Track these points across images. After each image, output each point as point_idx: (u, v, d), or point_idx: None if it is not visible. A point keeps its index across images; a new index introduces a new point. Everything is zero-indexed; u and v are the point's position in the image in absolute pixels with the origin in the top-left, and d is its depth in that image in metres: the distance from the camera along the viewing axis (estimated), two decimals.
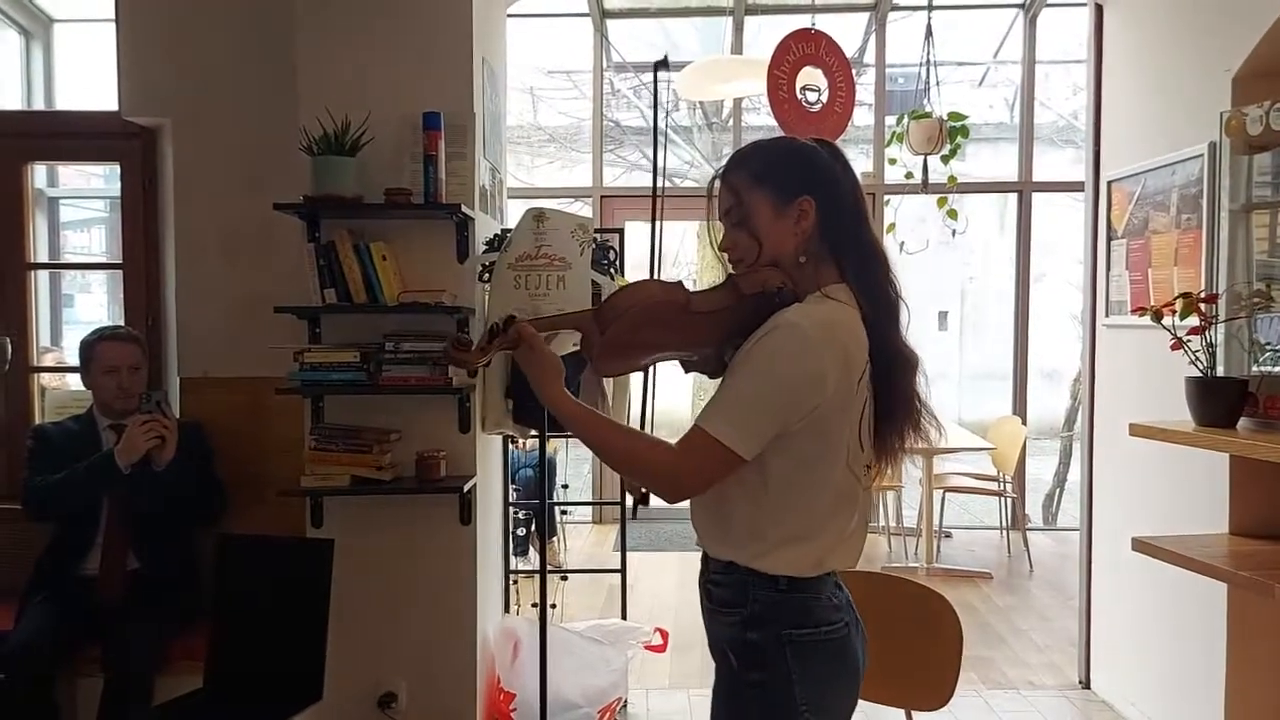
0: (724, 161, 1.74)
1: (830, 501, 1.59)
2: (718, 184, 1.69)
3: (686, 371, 1.77)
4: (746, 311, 1.58)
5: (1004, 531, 6.30)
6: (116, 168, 3.56)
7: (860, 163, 5.88)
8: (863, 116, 6.85)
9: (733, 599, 1.62)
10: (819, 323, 1.52)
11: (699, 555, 1.74)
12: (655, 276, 1.76)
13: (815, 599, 1.61)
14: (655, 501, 1.72)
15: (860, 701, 1.73)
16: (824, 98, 3.95)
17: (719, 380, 1.67)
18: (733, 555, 1.61)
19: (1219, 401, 2.75)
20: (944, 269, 12.24)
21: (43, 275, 3.83)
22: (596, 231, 3.20)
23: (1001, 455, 5.93)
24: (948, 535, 6.56)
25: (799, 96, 3.91)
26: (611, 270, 3.20)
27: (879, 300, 1.61)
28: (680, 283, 1.65)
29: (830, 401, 1.52)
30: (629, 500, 1.98)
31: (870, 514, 1.69)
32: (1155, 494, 3.42)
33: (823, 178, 1.62)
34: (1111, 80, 3.85)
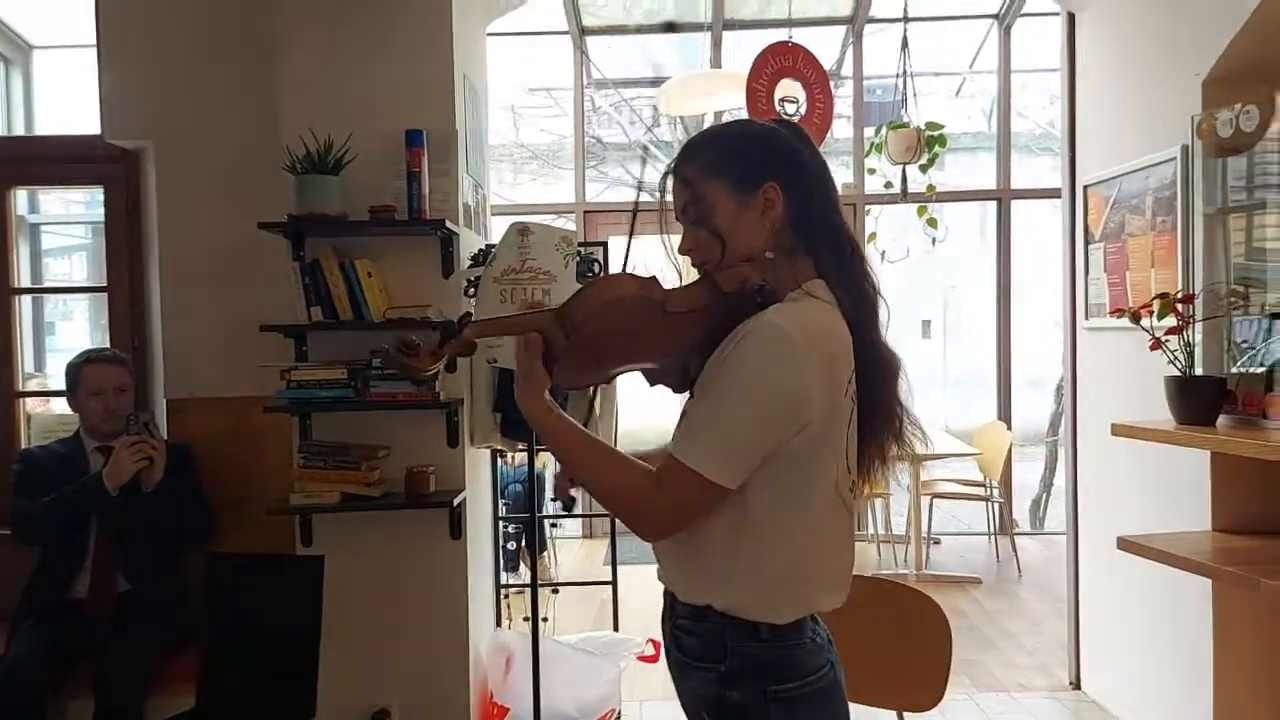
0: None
1: (820, 533, 1.41)
2: (669, 181, 1.50)
3: (651, 385, 1.56)
4: (724, 312, 1.40)
5: (992, 537, 6.32)
6: (97, 194, 3.56)
7: (840, 174, 5.93)
8: (842, 129, 6.92)
9: (707, 651, 1.42)
10: (804, 328, 1.34)
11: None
12: (626, 270, 1.51)
13: (799, 645, 1.42)
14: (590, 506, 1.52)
15: (851, 703, 1.61)
16: (802, 109, 4.00)
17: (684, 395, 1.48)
18: (708, 599, 1.41)
19: (1198, 400, 2.79)
20: (926, 278, 12.31)
21: (26, 302, 3.82)
22: (580, 245, 3.23)
23: (988, 461, 5.96)
24: (936, 542, 6.59)
25: (778, 108, 3.95)
26: None
27: (859, 296, 1.44)
28: (655, 278, 1.43)
29: (819, 417, 1.35)
30: (558, 504, 1.68)
31: (855, 533, 1.51)
32: (1140, 494, 3.46)
33: (787, 160, 1.45)
34: (1085, 87, 3.91)
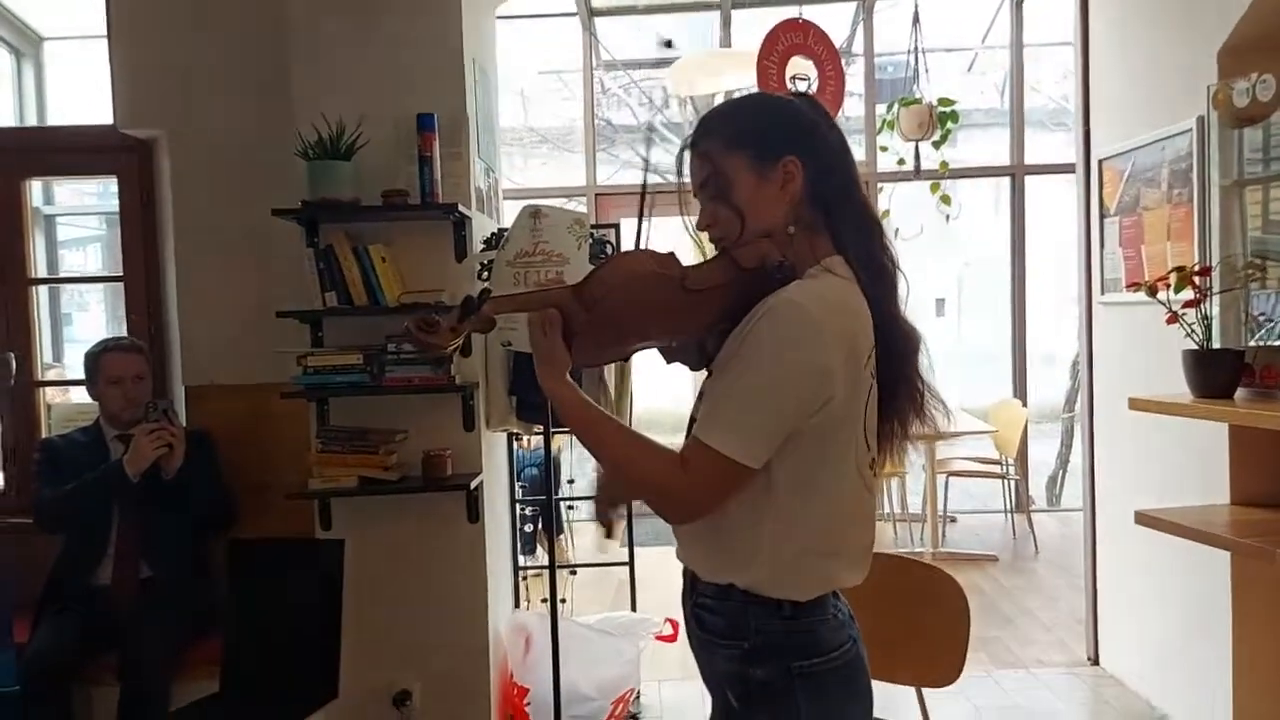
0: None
1: (843, 510, 1.41)
2: (687, 156, 1.48)
3: (668, 362, 1.57)
4: (743, 289, 1.38)
5: (1008, 514, 6.32)
6: (111, 184, 3.58)
7: (852, 152, 5.90)
8: (853, 106, 6.88)
9: (730, 629, 1.42)
10: (825, 304, 1.33)
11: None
12: (644, 247, 1.48)
13: (822, 622, 1.42)
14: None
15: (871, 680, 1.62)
16: (814, 87, 3.98)
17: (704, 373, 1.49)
18: (729, 577, 1.41)
19: (1216, 373, 2.78)
20: (940, 255, 12.29)
21: (43, 293, 3.85)
22: (593, 227, 3.22)
23: (1003, 438, 5.95)
24: (952, 520, 6.59)
25: (789, 86, 3.93)
26: None
27: (878, 271, 1.43)
28: (673, 254, 1.42)
29: (841, 394, 1.34)
30: (600, 531, 1.66)
31: (875, 526, 1.51)
32: (1156, 469, 3.45)
33: (807, 134, 1.43)
34: (1099, 59, 3.87)
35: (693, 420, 1.41)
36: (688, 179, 1.49)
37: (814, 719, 1.40)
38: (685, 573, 1.53)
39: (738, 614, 1.41)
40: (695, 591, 1.49)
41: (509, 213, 3.20)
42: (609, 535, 1.64)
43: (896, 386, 1.46)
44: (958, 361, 11.70)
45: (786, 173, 1.41)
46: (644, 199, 1.53)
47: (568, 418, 1.40)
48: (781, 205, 1.41)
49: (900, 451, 1.53)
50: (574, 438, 1.51)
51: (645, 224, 1.54)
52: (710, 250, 1.49)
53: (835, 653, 1.42)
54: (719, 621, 1.44)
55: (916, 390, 1.48)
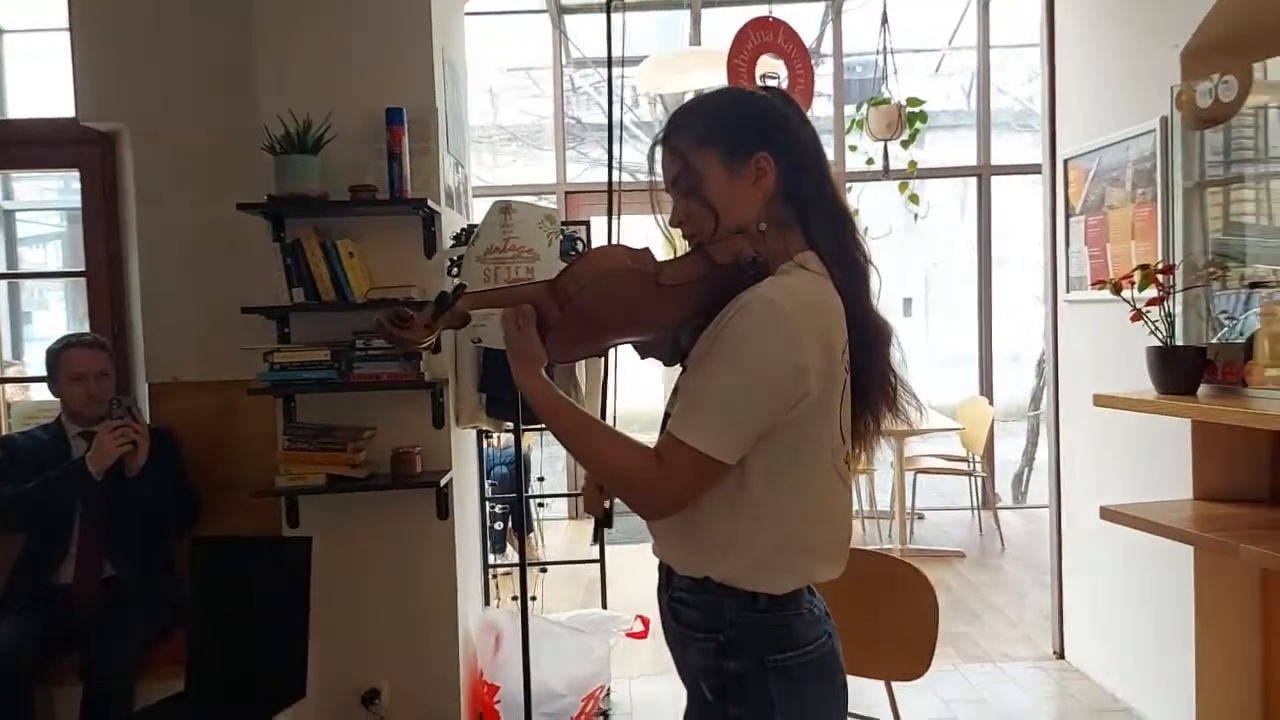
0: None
1: (818, 504, 1.41)
2: (659, 151, 1.47)
3: (642, 357, 1.57)
4: (717, 285, 1.39)
5: (975, 511, 6.38)
6: (72, 181, 3.52)
7: (824, 148, 5.93)
8: (822, 106, 6.91)
9: (705, 622, 1.42)
10: (798, 299, 1.34)
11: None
12: (617, 242, 1.49)
13: (797, 615, 1.42)
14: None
15: None
16: (783, 85, 3.99)
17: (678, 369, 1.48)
18: (705, 570, 1.41)
19: (1179, 369, 2.82)
20: (907, 256, 12.38)
21: (2, 289, 3.78)
22: (563, 224, 3.21)
23: (970, 435, 6.01)
24: (920, 517, 6.64)
25: (759, 84, 3.94)
26: None
27: (850, 266, 1.43)
28: (648, 249, 1.41)
29: (815, 389, 1.34)
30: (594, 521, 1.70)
31: (851, 520, 1.51)
32: (1121, 466, 3.49)
33: (780, 130, 1.43)
34: (1065, 60, 3.92)
35: (667, 416, 1.41)
36: (660, 175, 1.48)
37: (788, 712, 1.39)
38: (661, 567, 1.53)
39: (713, 607, 1.41)
40: (671, 585, 1.49)
41: (479, 210, 3.18)
42: (607, 524, 1.66)
43: (870, 380, 1.46)
44: (925, 362, 11.80)
45: (759, 169, 1.41)
46: (611, 196, 1.52)
47: (542, 413, 1.39)
48: (754, 201, 1.41)
49: (874, 445, 1.53)
50: (546, 434, 1.52)
51: (616, 220, 1.53)
52: (683, 246, 1.49)
53: (810, 646, 1.42)
54: (694, 615, 1.44)
55: (889, 384, 1.49)
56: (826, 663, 1.45)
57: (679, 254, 1.46)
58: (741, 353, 1.32)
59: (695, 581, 1.43)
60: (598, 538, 1.78)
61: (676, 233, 1.49)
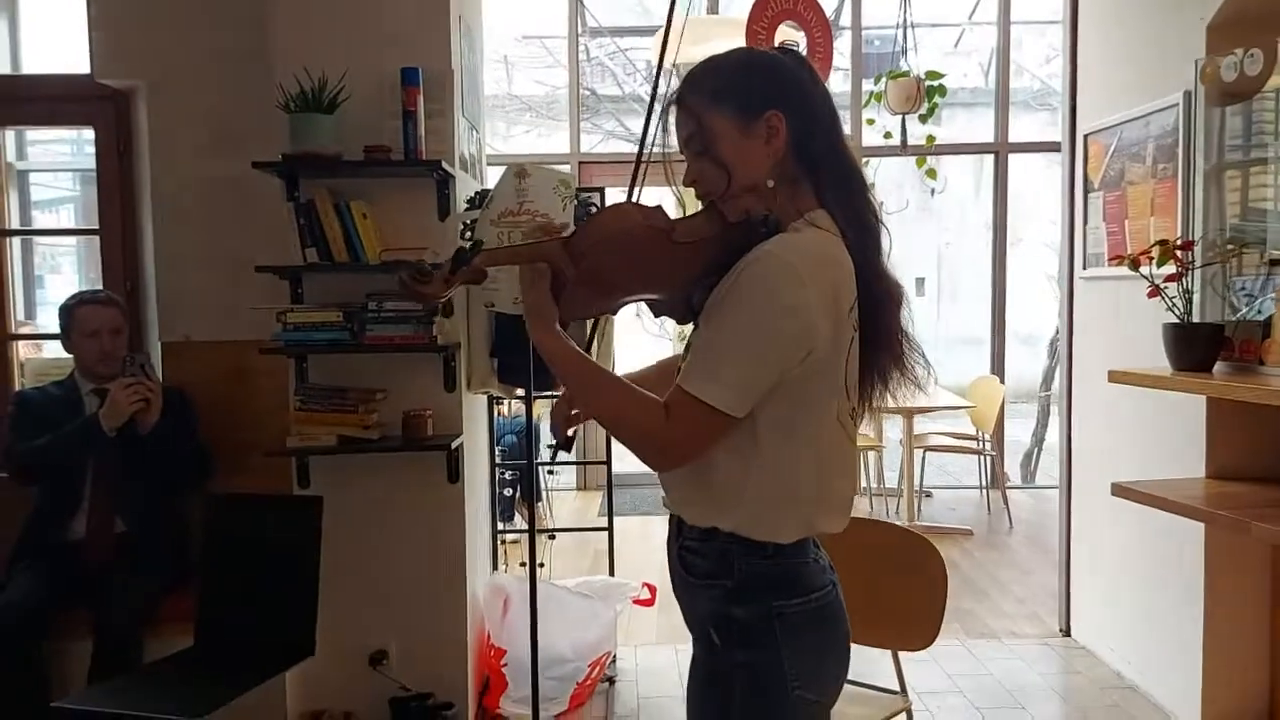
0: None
1: (823, 457, 1.43)
2: (673, 111, 1.48)
3: (656, 315, 1.58)
4: (729, 242, 1.40)
5: (983, 490, 6.38)
6: (86, 145, 3.51)
7: (836, 108, 5.91)
8: (839, 82, 6.86)
9: (714, 570, 1.45)
10: (807, 256, 1.35)
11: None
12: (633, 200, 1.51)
13: (804, 563, 1.45)
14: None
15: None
16: (803, 53, 3.94)
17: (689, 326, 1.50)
18: (715, 520, 1.44)
19: (1196, 346, 2.80)
20: (921, 235, 12.32)
21: (15, 248, 3.78)
22: (577, 190, 3.19)
23: (981, 414, 5.99)
24: (928, 495, 6.64)
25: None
26: None
27: (861, 225, 1.44)
28: (660, 208, 1.44)
29: (823, 346, 1.36)
30: (556, 445, 1.71)
31: (858, 474, 1.57)
32: (1133, 444, 3.47)
33: (790, 88, 1.43)
34: (1087, 33, 3.87)
35: (677, 371, 1.42)
36: (673, 136, 1.49)
37: (793, 658, 1.42)
38: (671, 519, 1.55)
39: (721, 554, 1.44)
40: (681, 535, 1.51)
41: (493, 177, 3.17)
42: (566, 448, 1.67)
43: (878, 338, 1.48)
44: (937, 343, 11.76)
45: (770, 127, 1.41)
46: (638, 166, 1.52)
47: (557, 367, 1.42)
48: (766, 160, 1.42)
49: (880, 402, 1.54)
50: (566, 387, 1.54)
51: (640, 181, 1.52)
52: (694, 207, 1.49)
53: (815, 594, 1.46)
54: (703, 563, 1.47)
55: (897, 343, 1.50)
56: (831, 611, 1.48)
57: (690, 213, 1.47)
58: (750, 309, 1.34)
59: (704, 531, 1.46)
60: (553, 457, 1.82)
61: (689, 193, 1.50)
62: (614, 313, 1.68)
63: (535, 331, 1.41)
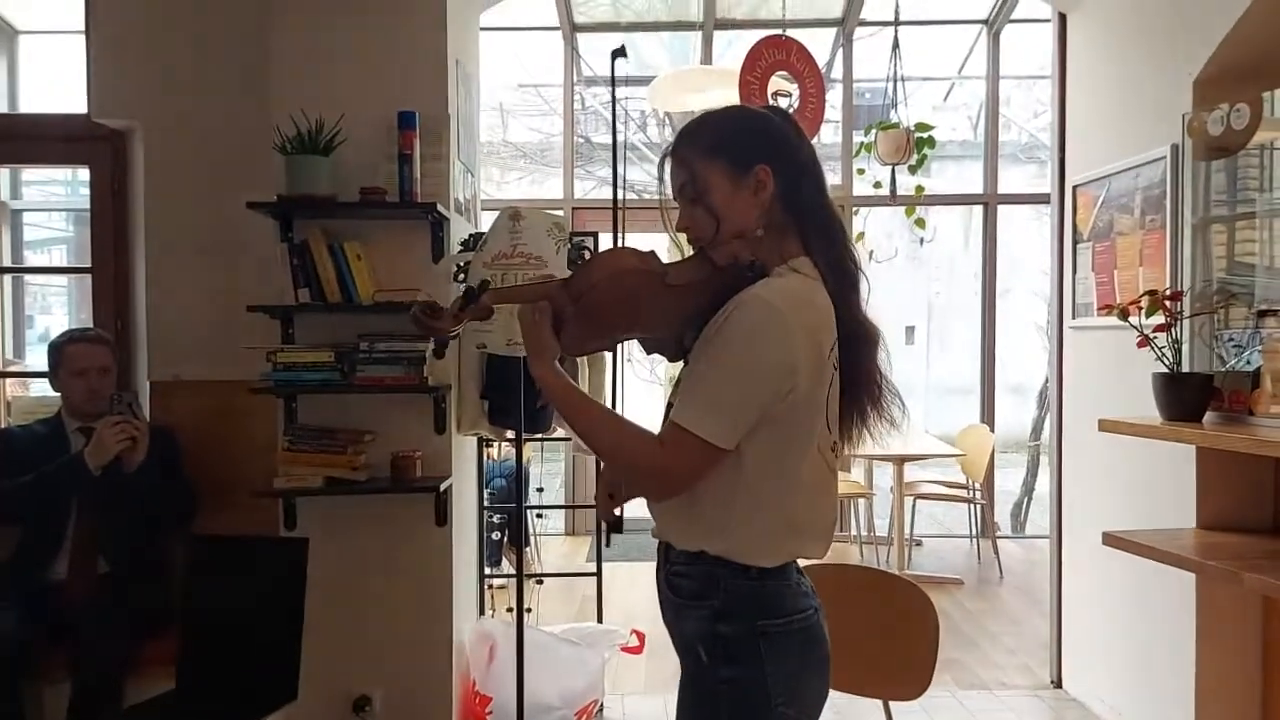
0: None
1: (806, 488, 1.52)
2: (668, 162, 1.60)
3: (648, 353, 1.70)
4: (717, 285, 1.50)
5: (974, 539, 6.34)
6: (80, 186, 3.52)
7: (828, 177, 5.98)
8: (830, 133, 6.94)
9: (701, 590, 1.53)
10: (791, 299, 1.45)
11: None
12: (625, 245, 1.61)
13: (786, 586, 1.54)
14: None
15: (838, 692, 1.72)
16: (795, 104, 4.00)
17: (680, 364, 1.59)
18: (703, 545, 1.52)
19: (1186, 396, 2.81)
20: (910, 284, 12.39)
21: (6, 290, 3.78)
22: (570, 234, 3.21)
23: (971, 463, 5.98)
24: (918, 543, 6.60)
25: (770, 102, 3.95)
26: None
27: (841, 271, 1.55)
28: (654, 252, 1.54)
29: (805, 384, 1.45)
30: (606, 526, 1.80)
31: (838, 504, 1.64)
32: (1123, 494, 3.47)
33: (779, 144, 1.55)
34: (1076, 86, 3.93)
35: (669, 406, 1.51)
36: (668, 185, 1.61)
37: (776, 675, 1.50)
38: (659, 547, 1.63)
39: (708, 576, 1.52)
40: (669, 560, 1.59)
41: (488, 221, 3.19)
42: (617, 529, 1.76)
43: (857, 377, 1.58)
44: (926, 392, 11.79)
45: (759, 180, 1.52)
46: (616, 213, 1.62)
47: (557, 402, 1.52)
48: (753, 209, 1.52)
49: (859, 439, 1.64)
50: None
51: (621, 236, 1.61)
52: (688, 251, 1.61)
53: (798, 616, 1.54)
54: (690, 584, 1.55)
55: (874, 383, 1.60)
56: (812, 633, 1.56)
57: (683, 257, 1.58)
58: (737, 347, 1.43)
59: (692, 554, 1.54)
60: (608, 542, 1.91)
61: (683, 237, 1.61)
62: (610, 349, 1.75)
63: (536, 367, 1.50)
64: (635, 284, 1.49)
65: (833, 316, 1.51)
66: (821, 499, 1.56)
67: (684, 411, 1.44)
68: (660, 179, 1.62)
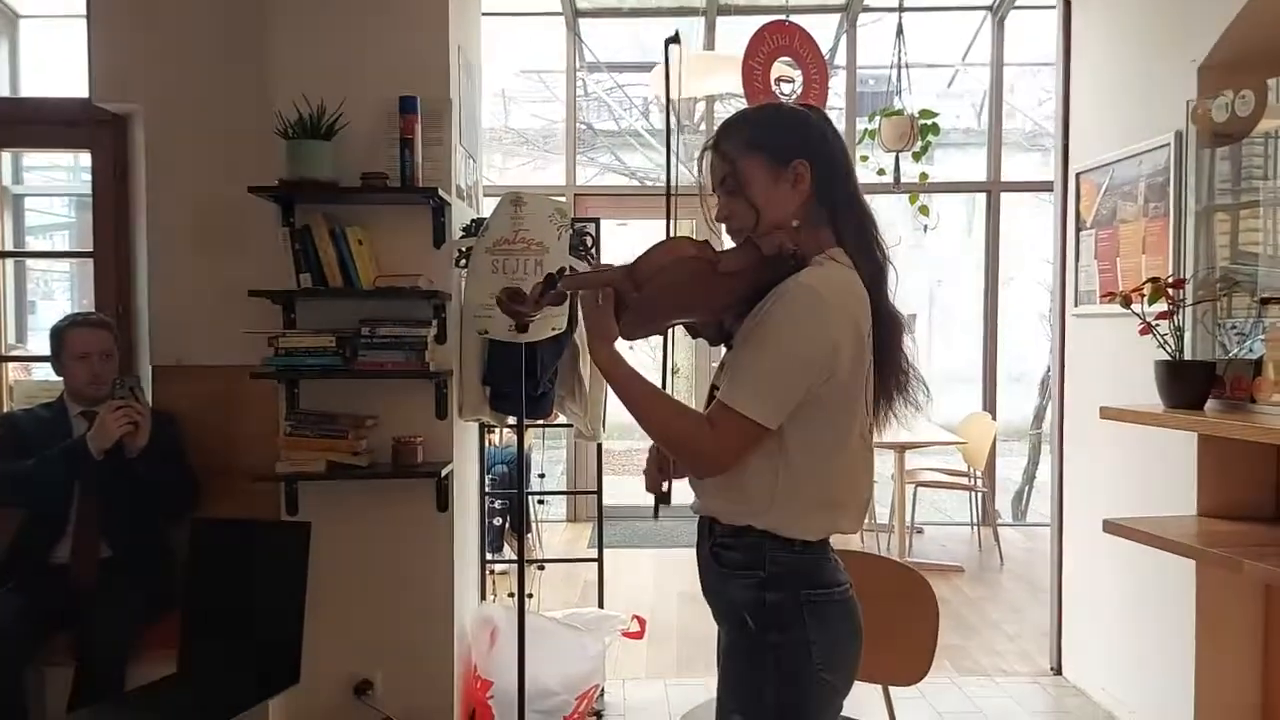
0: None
1: (846, 466, 1.61)
2: (708, 156, 1.69)
3: (694, 337, 1.78)
4: (762, 274, 1.58)
5: (974, 527, 6.36)
6: (81, 171, 3.50)
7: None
8: (834, 120, 6.91)
9: (748, 561, 1.61)
10: (833, 288, 1.54)
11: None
12: (680, 234, 1.74)
13: (826, 559, 1.64)
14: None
15: None
16: (798, 89, 3.99)
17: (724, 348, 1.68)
18: (748, 520, 1.61)
19: (1188, 384, 2.80)
20: (913, 273, 12.36)
21: (9, 275, 3.78)
22: (572, 220, 3.21)
23: (972, 451, 5.99)
24: (919, 531, 6.62)
25: (774, 88, 3.94)
26: (589, 257, 3.21)
27: (873, 262, 1.63)
28: (709, 242, 1.63)
29: (846, 367, 1.54)
30: (652, 499, 1.86)
31: (874, 482, 1.71)
32: (1124, 482, 3.47)
33: (816, 140, 1.63)
34: (1080, 72, 3.91)
35: (713, 389, 1.62)
36: (706, 177, 1.70)
37: (820, 642, 1.59)
38: (701, 523, 1.72)
39: (754, 548, 1.61)
40: (713, 535, 1.68)
41: (489, 207, 3.19)
42: (665, 501, 1.81)
43: (886, 364, 1.66)
44: (929, 379, 11.75)
45: (797, 173, 1.61)
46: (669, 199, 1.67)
47: (615, 384, 1.60)
48: (792, 202, 1.62)
49: (887, 421, 1.72)
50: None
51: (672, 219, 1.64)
52: (729, 241, 1.71)
53: (838, 588, 1.64)
54: (737, 556, 1.63)
55: (902, 370, 1.68)
56: (850, 606, 1.66)
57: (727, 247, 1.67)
58: (784, 332, 1.52)
59: (737, 529, 1.62)
60: (655, 515, 1.97)
61: (720, 227, 1.71)
62: (662, 333, 1.90)
63: (596, 351, 1.59)
64: (691, 272, 1.58)
65: (869, 304, 1.59)
66: (858, 475, 1.65)
67: (732, 393, 1.53)
68: (699, 171, 1.71)
